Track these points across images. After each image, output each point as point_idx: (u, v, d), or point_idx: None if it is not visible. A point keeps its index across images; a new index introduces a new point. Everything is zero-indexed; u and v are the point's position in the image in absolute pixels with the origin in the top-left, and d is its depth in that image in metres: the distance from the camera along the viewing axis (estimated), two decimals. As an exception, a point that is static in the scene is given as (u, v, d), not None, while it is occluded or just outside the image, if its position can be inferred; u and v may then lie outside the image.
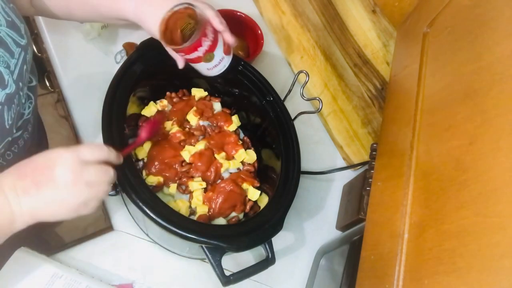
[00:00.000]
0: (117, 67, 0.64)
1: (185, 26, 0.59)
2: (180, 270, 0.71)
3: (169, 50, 0.62)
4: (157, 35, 0.59)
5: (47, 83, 0.86)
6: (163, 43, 0.58)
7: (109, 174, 0.48)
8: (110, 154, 0.49)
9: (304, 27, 0.97)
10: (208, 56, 0.60)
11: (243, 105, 0.77)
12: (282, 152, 0.69)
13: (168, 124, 0.71)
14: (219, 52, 0.61)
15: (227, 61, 0.64)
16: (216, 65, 0.63)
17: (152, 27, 0.59)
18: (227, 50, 0.63)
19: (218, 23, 0.59)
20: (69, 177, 0.44)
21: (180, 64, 0.63)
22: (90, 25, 0.82)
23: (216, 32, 0.59)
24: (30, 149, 0.61)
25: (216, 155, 0.70)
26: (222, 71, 0.65)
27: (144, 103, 0.73)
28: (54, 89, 0.84)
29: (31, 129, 0.59)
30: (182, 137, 0.70)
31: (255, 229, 0.60)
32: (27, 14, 0.64)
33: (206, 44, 0.58)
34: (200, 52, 0.58)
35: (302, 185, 0.68)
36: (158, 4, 0.58)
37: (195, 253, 0.71)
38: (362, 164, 0.88)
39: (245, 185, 0.70)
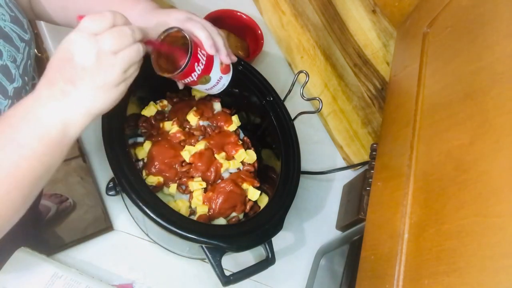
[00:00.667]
0: (117, 67, 0.64)
1: (178, 49, 0.56)
2: (180, 270, 0.71)
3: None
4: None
5: (47, 83, 0.86)
6: (156, 71, 0.56)
7: (125, 32, 0.43)
8: (115, 17, 0.43)
9: (304, 27, 0.97)
10: (204, 79, 0.58)
11: (243, 105, 0.77)
12: (282, 152, 0.69)
13: (168, 124, 0.71)
14: (216, 73, 0.59)
15: (226, 80, 0.62)
16: (214, 85, 0.61)
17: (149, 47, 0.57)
18: (224, 69, 0.60)
19: (209, 47, 0.55)
20: (91, 56, 0.41)
21: (180, 86, 0.62)
22: (90, 25, 0.82)
23: (209, 54, 0.56)
24: None
25: (216, 155, 0.70)
26: (222, 89, 0.63)
27: (144, 103, 0.73)
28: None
29: None
30: (182, 137, 0.70)
31: (255, 229, 0.60)
32: (27, 17, 0.64)
33: (199, 68, 0.55)
34: (194, 77, 0.56)
35: (302, 185, 0.69)
36: (154, 24, 0.56)
37: (195, 253, 0.71)
38: (362, 164, 0.88)
39: (245, 185, 0.70)
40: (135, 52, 0.44)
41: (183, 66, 0.53)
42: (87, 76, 0.42)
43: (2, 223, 0.43)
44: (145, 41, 0.47)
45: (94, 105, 0.44)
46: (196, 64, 0.55)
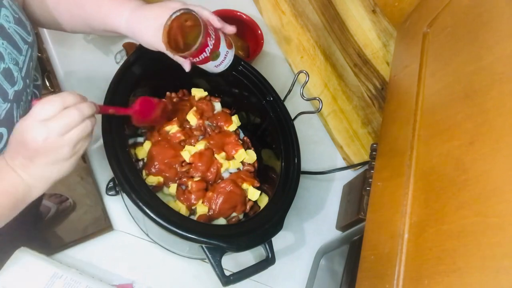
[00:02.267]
0: (117, 67, 0.64)
1: (187, 31, 0.59)
2: (180, 270, 0.71)
3: (175, 57, 0.62)
4: (155, 46, 0.59)
5: (47, 83, 0.86)
6: (170, 52, 0.58)
7: (72, 115, 0.47)
8: (65, 99, 0.47)
9: (304, 27, 0.97)
10: (215, 54, 0.61)
11: (243, 105, 0.77)
12: (282, 152, 0.69)
13: (168, 124, 0.71)
14: (223, 47, 0.62)
15: (231, 55, 0.65)
16: (222, 60, 0.64)
17: (149, 39, 0.59)
18: (229, 44, 0.64)
19: (216, 21, 0.60)
20: (40, 140, 0.45)
21: (187, 68, 0.63)
22: (90, 25, 0.82)
23: (216, 30, 0.60)
24: None
25: (216, 155, 0.70)
26: (228, 65, 0.66)
27: (144, 103, 0.72)
28: (54, 89, 0.84)
29: None
30: (182, 137, 0.70)
31: (255, 229, 0.60)
32: None
33: (211, 43, 0.58)
34: (207, 52, 0.59)
35: (302, 185, 0.69)
36: (152, 17, 0.58)
37: (195, 253, 0.71)
38: (362, 164, 0.88)
39: (245, 185, 0.70)
40: (82, 130, 0.48)
41: (199, 40, 0.56)
42: (41, 156, 0.47)
43: None
44: (99, 110, 0.52)
45: (50, 176, 0.49)
46: (208, 38, 0.58)
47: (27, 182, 0.48)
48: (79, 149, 0.49)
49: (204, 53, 0.59)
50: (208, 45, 0.58)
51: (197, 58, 0.60)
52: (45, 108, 0.46)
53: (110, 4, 0.60)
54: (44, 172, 0.48)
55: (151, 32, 0.58)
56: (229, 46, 0.64)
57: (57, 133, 0.46)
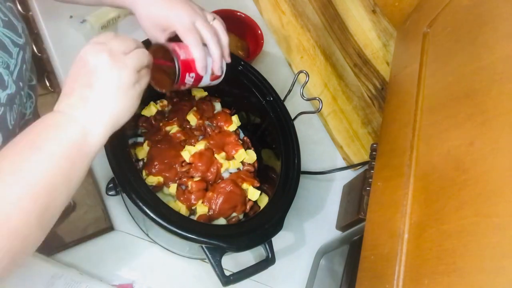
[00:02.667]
0: (117, 67, 0.64)
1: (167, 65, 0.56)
2: (180, 270, 0.71)
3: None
4: (145, 30, 0.58)
5: (47, 83, 0.86)
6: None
7: (128, 39, 0.46)
8: (116, 33, 0.46)
9: (304, 27, 0.97)
10: (198, 81, 0.58)
11: (243, 105, 0.77)
12: (282, 152, 0.69)
13: (168, 124, 0.71)
14: (204, 81, 0.59)
15: (215, 82, 0.62)
16: (209, 82, 0.61)
17: (142, 20, 0.57)
18: (215, 78, 0.60)
19: (200, 68, 0.56)
20: (103, 56, 0.43)
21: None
22: (90, 25, 0.82)
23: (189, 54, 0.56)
24: None
25: (216, 155, 0.70)
26: (221, 79, 0.63)
27: (144, 103, 0.73)
28: (54, 89, 0.84)
29: None
30: (182, 137, 0.70)
31: (255, 229, 0.60)
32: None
33: (190, 77, 0.56)
34: (188, 83, 0.57)
35: (302, 185, 0.68)
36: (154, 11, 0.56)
37: (195, 253, 0.71)
38: (362, 164, 0.88)
39: (245, 185, 0.70)
40: (143, 53, 0.46)
41: (174, 80, 0.54)
42: (103, 75, 0.43)
43: (15, 243, 0.40)
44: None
45: (113, 108, 0.44)
46: (187, 75, 0.56)
47: (85, 125, 0.42)
48: (142, 76, 0.46)
49: (183, 85, 0.57)
50: (185, 83, 0.56)
51: (181, 88, 0.58)
52: (101, 35, 0.45)
53: None
54: (106, 102, 0.43)
55: (145, 14, 0.56)
56: (215, 78, 0.61)
57: (119, 49, 0.44)
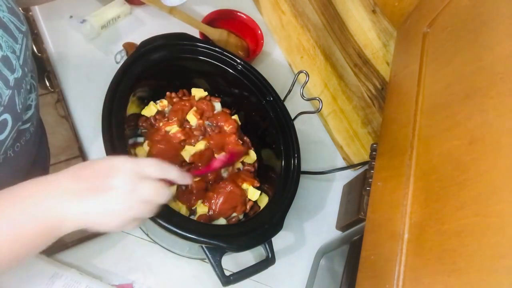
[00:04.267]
0: (117, 67, 0.64)
1: None
2: (180, 270, 0.71)
3: None
4: None
5: (47, 83, 0.86)
6: None
7: (164, 194, 0.46)
8: (174, 173, 0.47)
9: (304, 27, 0.97)
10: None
11: (243, 105, 0.77)
12: (282, 152, 0.69)
13: (168, 124, 0.71)
14: None
15: None
16: None
17: None
18: None
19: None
20: (127, 188, 0.43)
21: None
22: (90, 25, 0.82)
23: None
24: (34, 142, 0.61)
25: (216, 155, 0.70)
26: None
27: (144, 103, 0.73)
28: (54, 89, 0.84)
29: (35, 123, 0.60)
30: (182, 137, 0.70)
31: (255, 229, 0.60)
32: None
33: None
34: None
35: (302, 185, 0.69)
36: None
37: (195, 253, 0.71)
38: (362, 164, 0.88)
39: (245, 185, 0.70)
40: (151, 212, 0.46)
41: None
42: (110, 198, 0.43)
43: None
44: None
45: (93, 220, 0.44)
46: None
47: (65, 214, 0.42)
48: (132, 223, 0.45)
49: None
50: None
51: None
52: (157, 169, 0.46)
53: None
54: (91, 213, 0.43)
55: None
56: None
57: (142, 197, 0.44)
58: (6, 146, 0.49)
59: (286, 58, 0.98)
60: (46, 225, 0.42)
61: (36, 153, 0.66)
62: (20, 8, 0.53)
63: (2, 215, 0.41)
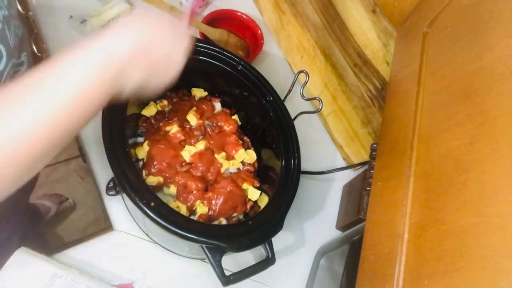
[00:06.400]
0: (117, 67, 0.64)
1: None
2: (180, 270, 0.71)
3: None
4: None
5: (47, 83, 0.86)
6: None
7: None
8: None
9: (304, 27, 0.97)
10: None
11: (243, 105, 0.77)
12: (282, 152, 0.69)
13: (168, 124, 0.71)
14: None
15: None
16: None
17: None
18: None
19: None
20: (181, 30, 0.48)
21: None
22: (90, 25, 0.82)
23: None
24: None
25: (216, 155, 0.70)
26: None
27: (144, 103, 0.73)
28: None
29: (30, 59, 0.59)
30: (182, 137, 0.70)
31: (255, 229, 0.60)
32: None
33: None
34: None
35: (302, 185, 0.68)
36: None
37: (195, 253, 0.71)
38: (362, 164, 0.88)
39: (245, 185, 0.70)
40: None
41: None
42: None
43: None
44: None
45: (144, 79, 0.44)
46: None
47: (121, 76, 0.41)
48: (183, 62, 0.48)
49: None
50: None
51: None
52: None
53: None
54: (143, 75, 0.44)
55: None
56: None
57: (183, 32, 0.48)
58: (4, 79, 0.48)
59: (286, 58, 0.98)
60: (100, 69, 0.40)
61: None
62: None
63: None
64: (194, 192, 0.66)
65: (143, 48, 0.43)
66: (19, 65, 0.54)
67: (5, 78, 0.48)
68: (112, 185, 0.65)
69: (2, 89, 0.37)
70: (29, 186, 0.78)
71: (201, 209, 0.66)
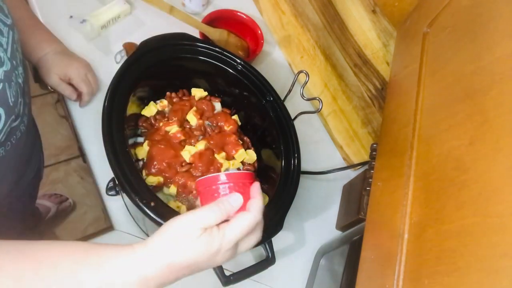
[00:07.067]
0: (117, 67, 0.64)
1: None
2: (180, 270, 0.71)
3: None
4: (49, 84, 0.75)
5: (47, 83, 0.86)
6: None
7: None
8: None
9: (304, 27, 0.97)
10: None
11: (243, 105, 0.77)
12: (282, 152, 0.69)
13: (168, 124, 0.71)
14: None
15: None
16: None
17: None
18: None
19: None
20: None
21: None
22: (90, 25, 0.82)
23: None
24: (26, 144, 0.61)
25: (216, 155, 0.70)
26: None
27: (144, 103, 0.73)
28: (54, 89, 0.84)
29: (26, 122, 0.59)
30: (182, 137, 0.70)
31: (255, 229, 0.60)
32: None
33: None
34: None
35: (302, 185, 0.68)
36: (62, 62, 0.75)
37: (195, 253, 0.71)
38: (362, 164, 0.88)
39: (245, 185, 0.70)
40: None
41: None
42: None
43: None
44: None
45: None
46: None
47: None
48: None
49: None
50: None
51: None
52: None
53: (37, 43, 0.72)
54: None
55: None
56: None
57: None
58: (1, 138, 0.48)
59: (286, 58, 0.98)
60: None
61: (30, 157, 0.65)
62: (3, 1, 0.53)
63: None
64: (194, 192, 0.66)
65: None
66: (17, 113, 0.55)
67: (1, 138, 0.48)
68: (112, 185, 0.65)
69: None
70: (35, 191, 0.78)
71: (201, 209, 0.66)
